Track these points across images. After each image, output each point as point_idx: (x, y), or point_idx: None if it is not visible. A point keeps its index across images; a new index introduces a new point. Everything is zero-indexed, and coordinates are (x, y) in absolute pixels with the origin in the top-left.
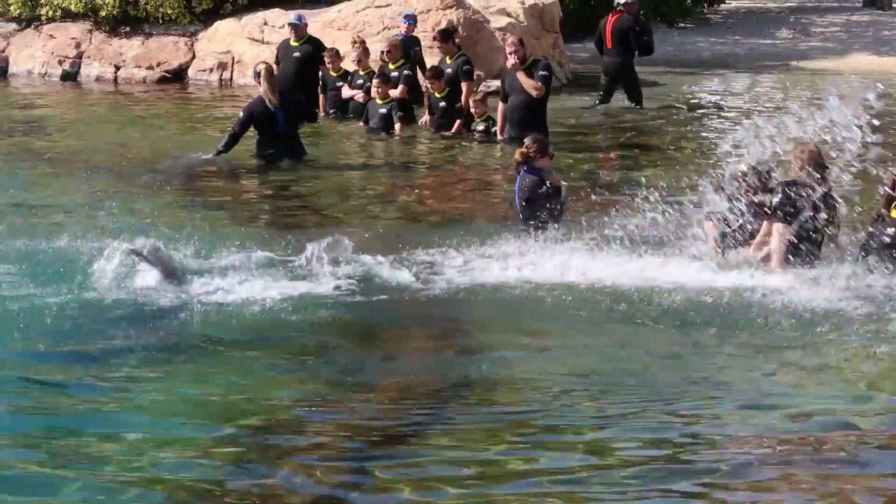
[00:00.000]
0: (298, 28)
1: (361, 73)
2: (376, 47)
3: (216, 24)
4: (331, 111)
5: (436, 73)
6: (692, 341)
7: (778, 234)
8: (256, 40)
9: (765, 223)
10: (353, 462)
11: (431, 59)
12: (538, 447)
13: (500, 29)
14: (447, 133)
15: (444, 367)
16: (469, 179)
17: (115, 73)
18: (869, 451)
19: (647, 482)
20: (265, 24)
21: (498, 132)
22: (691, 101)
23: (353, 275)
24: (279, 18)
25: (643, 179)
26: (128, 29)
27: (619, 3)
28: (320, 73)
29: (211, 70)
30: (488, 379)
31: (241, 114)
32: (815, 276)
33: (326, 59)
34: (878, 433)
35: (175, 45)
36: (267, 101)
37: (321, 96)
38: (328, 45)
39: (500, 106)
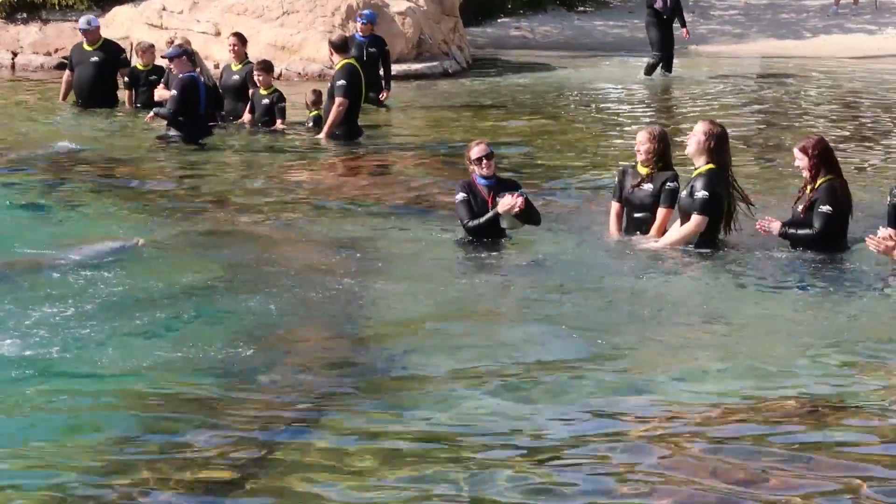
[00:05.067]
0: (90, 32)
1: (235, 66)
2: (276, 32)
3: (114, 9)
4: (137, 105)
5: (266, 67)
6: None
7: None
8: (155, 26)
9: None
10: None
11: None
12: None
13: (399, 13)
14: (270, 129)
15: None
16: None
17: (13, 59)
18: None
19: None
20: (163, 9)
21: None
22: (591, 85)
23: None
24: (178, 4)
25: (546, 164)
26: (25, 15)
27: None
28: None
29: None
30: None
31: (175, 92)
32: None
33: (138, 53)
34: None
35: (73, 31)
36: (205, 78)
37: (128, 91)
38: (227, 30)
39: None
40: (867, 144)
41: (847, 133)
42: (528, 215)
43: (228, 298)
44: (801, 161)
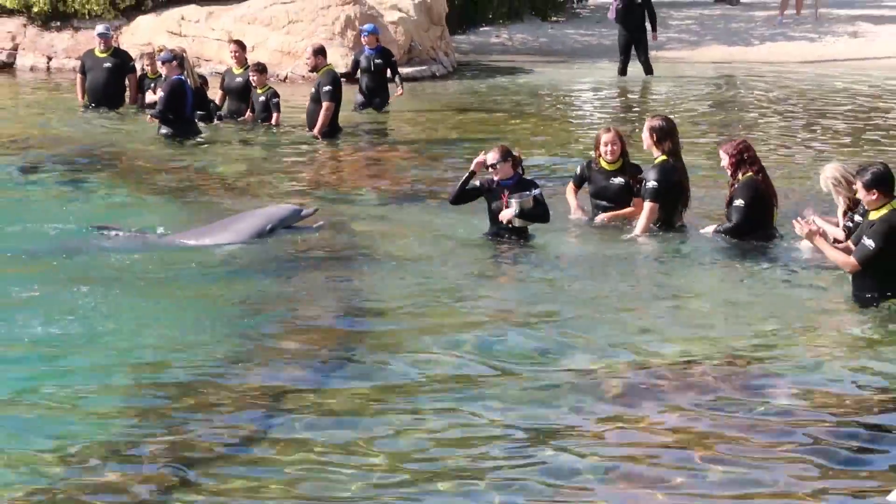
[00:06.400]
0: (109, 38)
1: (237, 70)
2: (282, 39)
3: (138, 18)
4: (144, 107)
5: (260, 68)
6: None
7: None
8: (174, 33)
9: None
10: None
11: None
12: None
13: (392, 22)
14: (268, 124)
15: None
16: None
17: (48, 63)
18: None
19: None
20: (182, 18)
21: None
22: (563, 86)
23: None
24: (195, 13)
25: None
26: (58, 23)
27: None
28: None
29: (134, 60)
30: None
31: (163, 94)
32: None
33: (145, 62)
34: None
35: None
36: (189, 81)
37: (140, 95)
38: (239, 38)
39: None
40: (807, 139)
41: (789, 129)
42: (532, 216)
43: (236, 276)
44: (724, 160)
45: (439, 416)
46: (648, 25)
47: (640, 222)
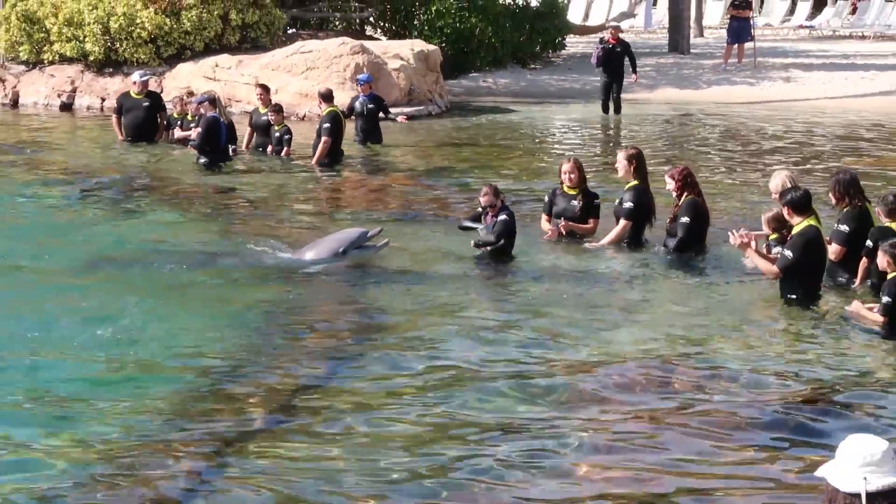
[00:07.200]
0: (147, 83)
1: (262, 110)
2: (301, 83)
3: (178, 66)
4: (171, 142)
5: (277, 109)
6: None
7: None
8: (210, 78)
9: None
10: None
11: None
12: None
13: (395, 69)
14: (280, 156)
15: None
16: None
17: (102, 103)
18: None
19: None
20: (216, 65)
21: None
22: (539, 123)
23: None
24: (227, 61)
25: (504, 182)
26: (111, 70)
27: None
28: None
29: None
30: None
31: (201, 129)
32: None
33: (174, 105)
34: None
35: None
36: (222, 118)
37: (166, 132)
38: (265, 82)
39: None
40: (746, 167)
41: (730, 158)
42: (485, 243)
43: (264, 283)
44: (670, 184)
45: (434, 413)
46: (628, 68)
47: (612, 234)
